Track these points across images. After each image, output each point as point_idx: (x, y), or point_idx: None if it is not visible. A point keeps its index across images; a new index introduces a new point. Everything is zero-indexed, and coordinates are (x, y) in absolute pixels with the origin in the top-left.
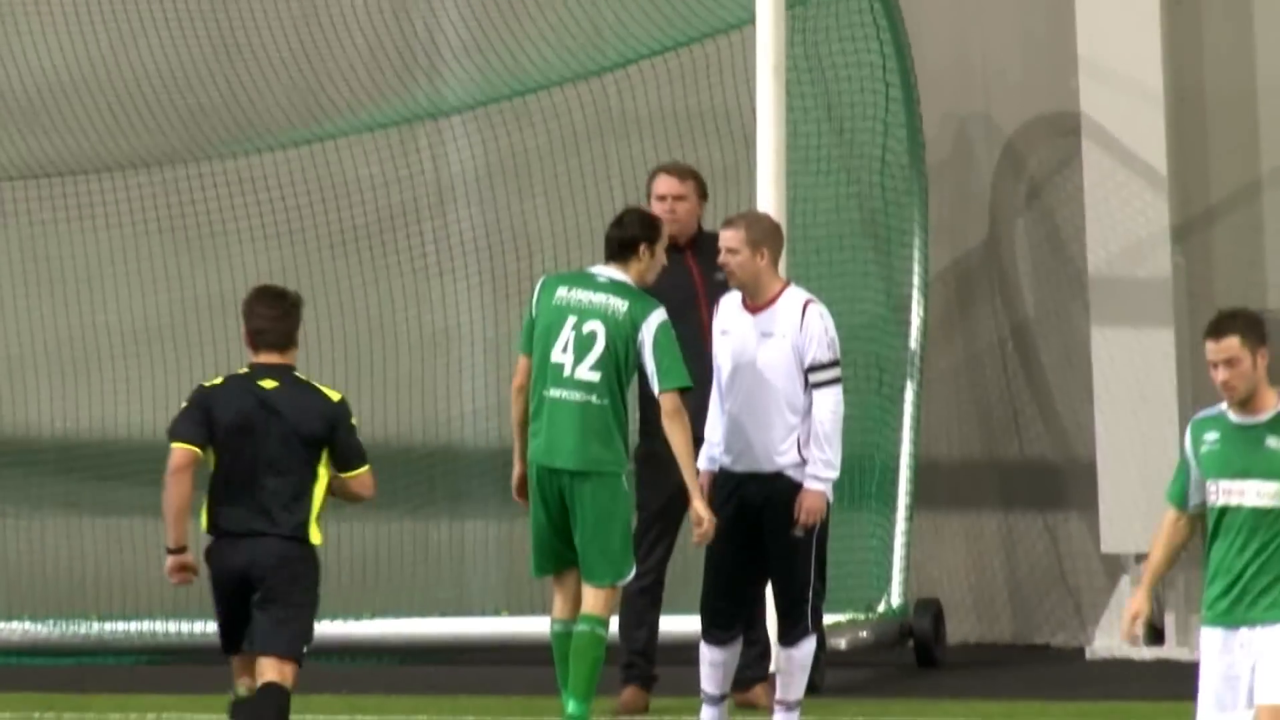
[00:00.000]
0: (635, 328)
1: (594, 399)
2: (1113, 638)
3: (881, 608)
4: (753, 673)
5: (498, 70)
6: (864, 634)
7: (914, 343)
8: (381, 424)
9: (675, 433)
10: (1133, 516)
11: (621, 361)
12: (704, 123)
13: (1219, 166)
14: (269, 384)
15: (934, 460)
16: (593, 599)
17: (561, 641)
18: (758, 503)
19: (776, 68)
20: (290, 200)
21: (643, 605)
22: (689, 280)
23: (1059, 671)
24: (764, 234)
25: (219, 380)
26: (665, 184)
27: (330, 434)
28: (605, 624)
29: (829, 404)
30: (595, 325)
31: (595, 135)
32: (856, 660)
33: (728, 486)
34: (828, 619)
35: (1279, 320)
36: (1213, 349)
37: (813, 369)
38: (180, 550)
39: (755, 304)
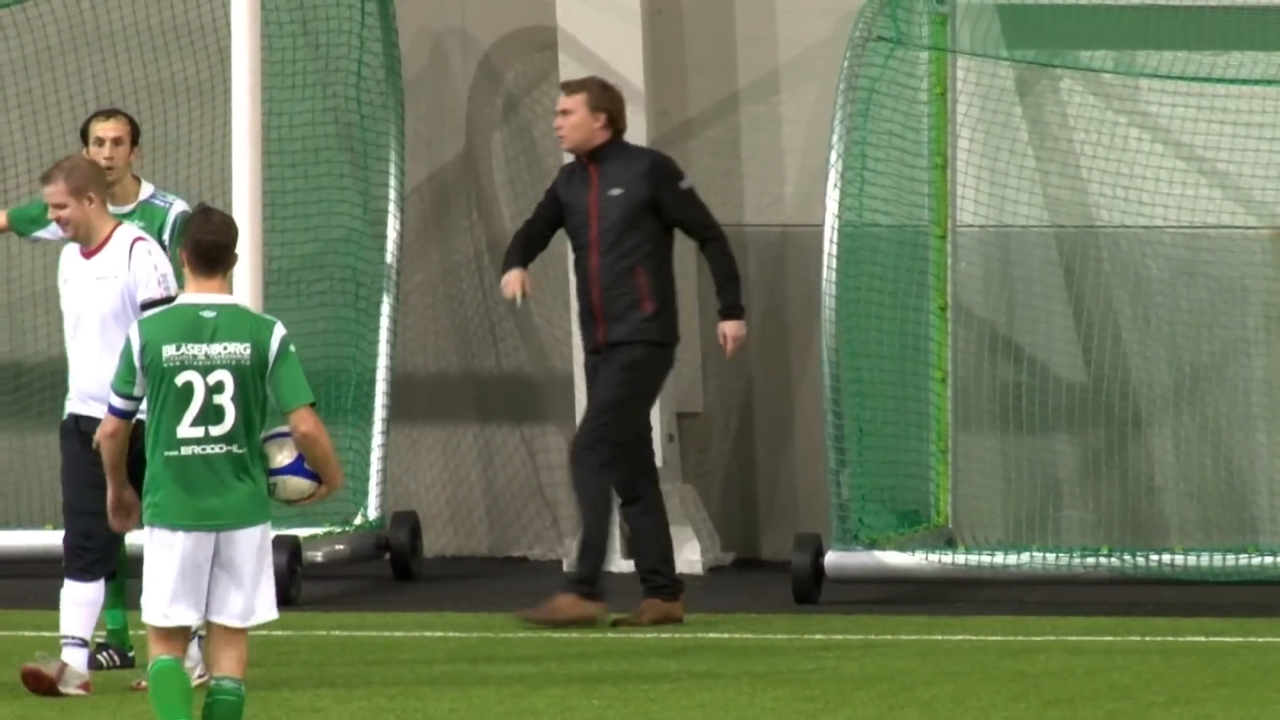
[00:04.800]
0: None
1: None
2: None
3: (358, 520)
4: None
5: None
6: (340, 547)
7: (390, 256)
8: None
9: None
10: None
11: None
12: (179, 37)
13: (695, 81)
14: None
15: (410, 374)
16: None
17: None
18: None
19: None
20: None
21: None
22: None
23: (537, 584)
24: (85, 179)
25: None
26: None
27: None
28: None
29: None
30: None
31: (70, 50)
32: (333, 573)
33: None
34: (304, 531)
35: (758, 235)
36: None
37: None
38: None
39: (88, 249)
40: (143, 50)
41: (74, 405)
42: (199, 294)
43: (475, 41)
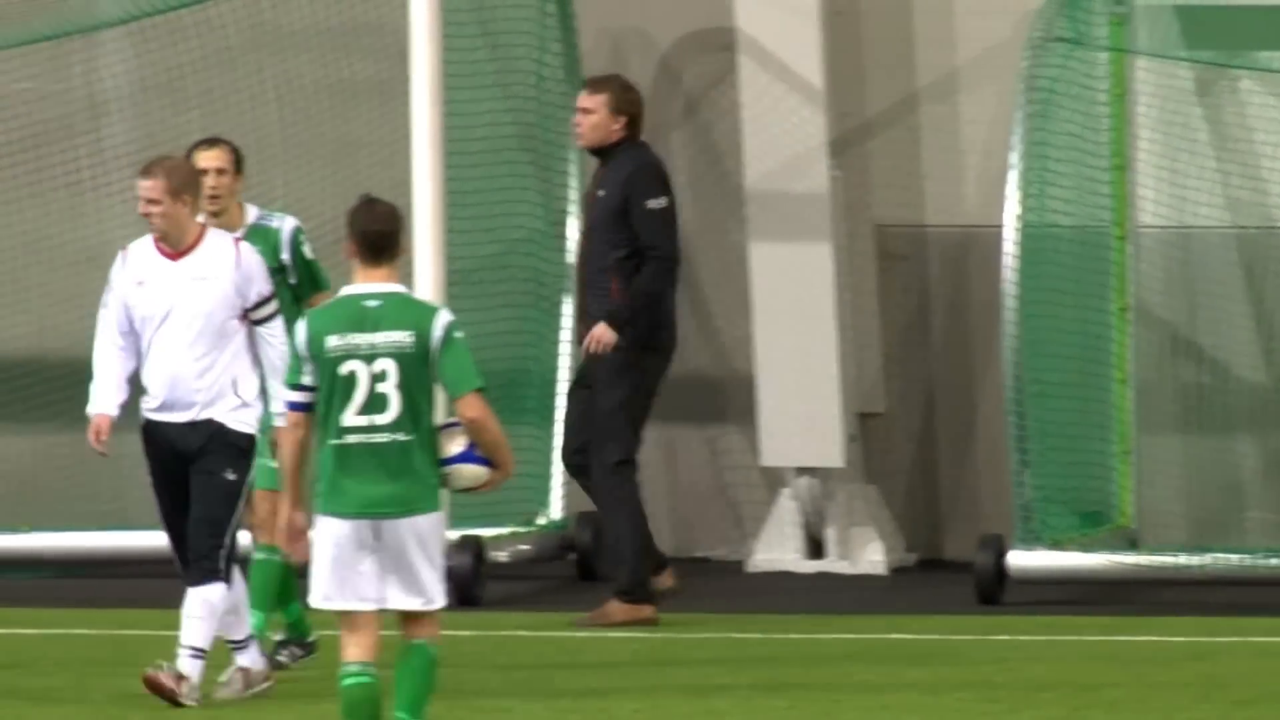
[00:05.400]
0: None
1: None
2: (773, 551)
3: (542, 521)
4: None
5: None
6: (525, 547)
7: (572, 257)
8: (39, 339)
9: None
10: (791, 430)
11: None
12: (359, 37)
13: (875, 81)
14: None
15: None
16: None
17: None
18: None
19: None
20: None
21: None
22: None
23: (720, 584)
24: (184, 181)
25: None
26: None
27: None
28: None
29: None
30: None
31: (250, 49)
32: (518, 574)
33: None
34: (488, 531)
35: (939, 235)
36: None
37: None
38: None
39: (175, 251)
40: (323, 50)
41: (149, 410)
42: (364, 284)
43: (655, 42)
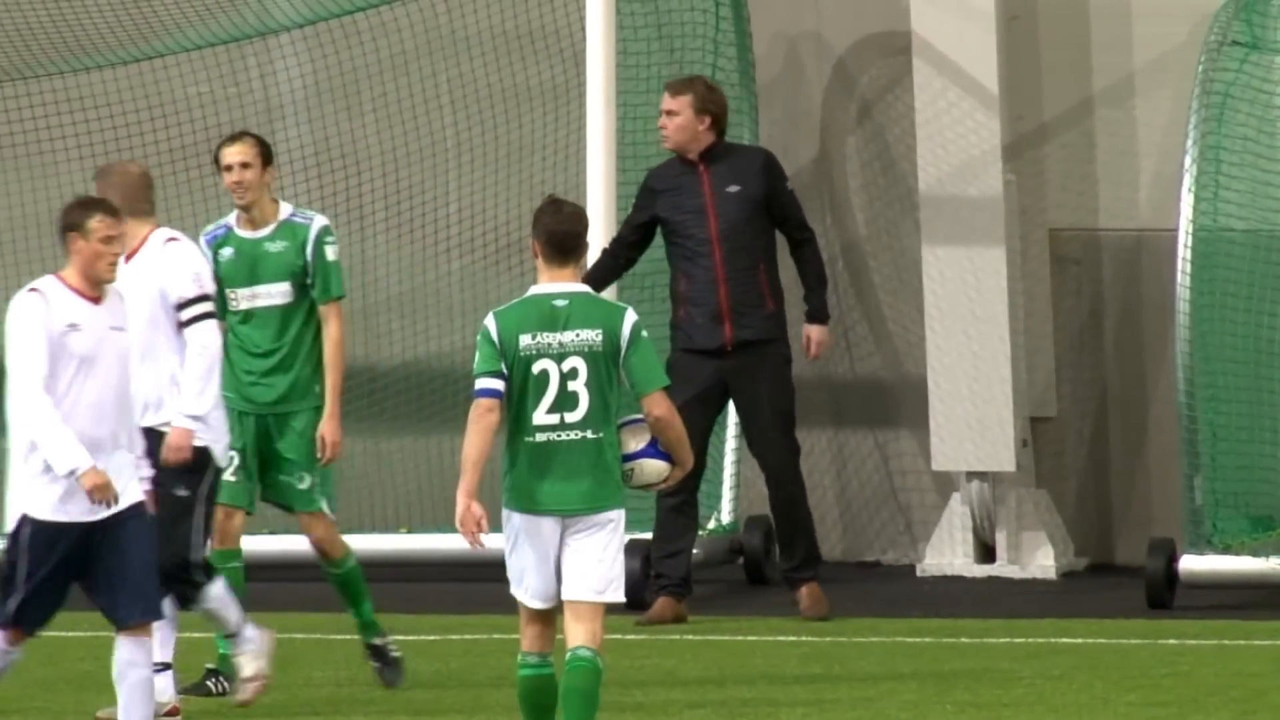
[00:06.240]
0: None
1: None
2: (943, 555)
3: (711, 525)
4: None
5: None
6: (694, 551)
7: None
8: None
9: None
10: (963, 435)
11: None
12: (534, 41)
13: (1050, 85)
14: None
15: None
16: None
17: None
18: None
19: None
20: (119, 119)
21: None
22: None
23: (890, 588)
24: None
25: None
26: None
27: None
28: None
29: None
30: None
31: (424, 54)
32: None
33: None
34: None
35: (1113, 239)
36: None
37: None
38: None
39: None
40: (498, 54)
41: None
42: (552, 284)
43: (830, 46)
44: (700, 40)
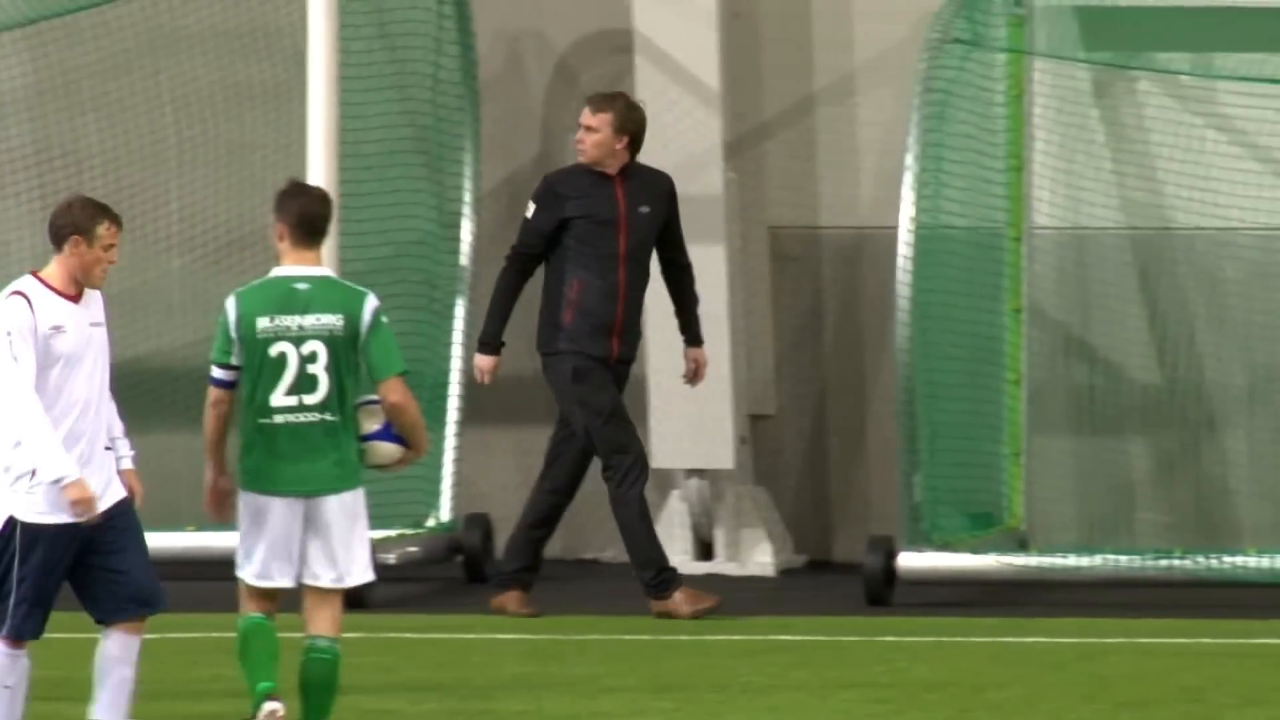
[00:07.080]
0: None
1: None
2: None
3: (431, 523)
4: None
5: None
6: (413, 549)
7: (465, 259)
8: None
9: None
10: (681, 432)
11: None
12: (255, 40)
13: (772, 83)
14: None
15: None
16: None
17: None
18: None
19: None
20: None
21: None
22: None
23: (609, 586)
24: None
25: None
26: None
27: None
28: None
29: None
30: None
31: (146, 53)
32: (406, 575)
33: None
34: (377, 534)
35: (833, 237)
36: None
37: None
38: None
39: None
40: (219, 53)
41: None
42: (295, 266)
43: (551, 44)
44: (422, 38)
